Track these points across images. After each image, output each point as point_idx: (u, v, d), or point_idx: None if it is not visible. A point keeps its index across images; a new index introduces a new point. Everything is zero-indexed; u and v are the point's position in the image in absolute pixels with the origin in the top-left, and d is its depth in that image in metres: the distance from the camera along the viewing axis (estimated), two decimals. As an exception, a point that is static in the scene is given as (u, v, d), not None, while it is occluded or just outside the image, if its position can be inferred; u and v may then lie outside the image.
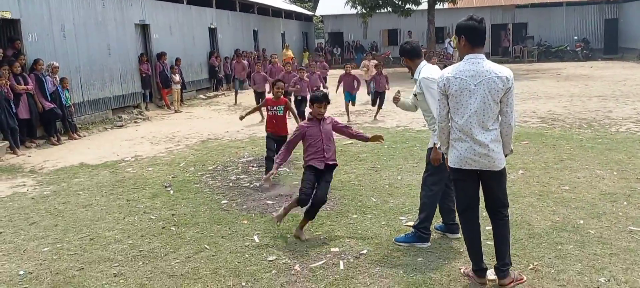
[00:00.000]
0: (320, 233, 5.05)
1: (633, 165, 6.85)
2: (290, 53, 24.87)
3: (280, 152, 5.24)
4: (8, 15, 10.37)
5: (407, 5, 23.54)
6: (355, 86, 12.35)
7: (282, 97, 7.30)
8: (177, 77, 15.49)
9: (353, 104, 12.70)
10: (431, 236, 4.69)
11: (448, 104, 3.71)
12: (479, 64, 3.62)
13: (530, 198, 5.74)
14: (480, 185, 3.82)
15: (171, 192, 6.72)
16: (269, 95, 8.52)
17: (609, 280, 3.78)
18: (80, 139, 11.24)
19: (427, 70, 4.50)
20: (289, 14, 32.24)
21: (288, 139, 5.35)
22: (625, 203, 5.41)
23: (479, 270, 3.85)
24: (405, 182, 6.71)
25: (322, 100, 5.01)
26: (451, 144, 3.76)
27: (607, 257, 4.16)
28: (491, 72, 3.58)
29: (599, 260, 4.11)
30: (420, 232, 4.62)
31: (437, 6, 23.88)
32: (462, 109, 3.64)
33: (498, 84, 3.56)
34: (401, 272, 4.13)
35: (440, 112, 3.77)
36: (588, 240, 4.52)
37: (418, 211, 4.73)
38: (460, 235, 4.49)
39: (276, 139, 7.08)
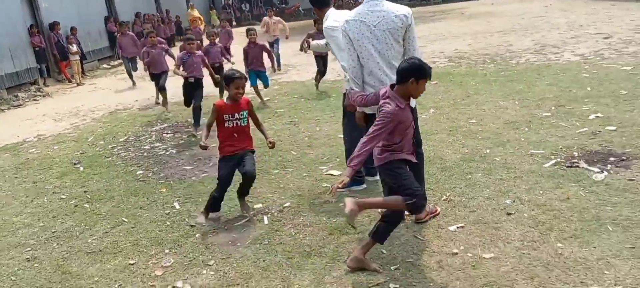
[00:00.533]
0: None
1: (532, 94, 7.31)
2: (196, 13, 23.96)
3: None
4: None
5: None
6: (263, 61, 9.12)
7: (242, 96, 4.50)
8: (74, 47, 14.44)
9: (265, 86, 9.16)
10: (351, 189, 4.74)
11: (355, 48, 3.73)
12: (377, 5, 3.66)
13: (441, 135, 5.99)
14: None
15: (81, 168, 6.39)
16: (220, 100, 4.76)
17: (513, 201, 4.06)
18: (-26, 124, 10.34)
19: (331, 18, 4.47)
20: (192, -29, 30.94)
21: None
22: (526, 129, 5.78)
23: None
24: (324, 132, 6.77)
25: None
26: (364, 89, 3.80)
27: (511, 180, 4.46)
28: (389, 12, 3.62)
29: (504, 184, 4.40)
30: (355, 176, 4.69)
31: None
32: (366, 52, 3.68)
33: (397, 22, 3.61)
34: (324, 218, 4.21)
35: (350, 57, 3.78)
36: (494, 167, 4.81)
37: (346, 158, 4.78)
38: (364, 186, 4.65)
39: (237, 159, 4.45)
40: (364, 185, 4.75)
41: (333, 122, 7.14)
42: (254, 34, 9.08)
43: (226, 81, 4.30)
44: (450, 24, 18.71)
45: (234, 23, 30.99)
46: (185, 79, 7.54)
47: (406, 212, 3.93)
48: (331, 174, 5.20)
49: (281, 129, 7.17)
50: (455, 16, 21.56)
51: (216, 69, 8.55)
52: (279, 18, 13.82)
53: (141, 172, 5.99)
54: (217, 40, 9.65)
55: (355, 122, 4.62)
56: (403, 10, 3.65)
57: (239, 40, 21.72)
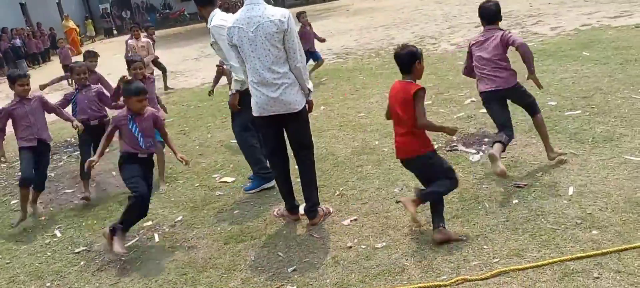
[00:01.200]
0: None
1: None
2: (71, 23, 22.51)
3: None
4: None
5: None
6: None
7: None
8: None
9: None
10: (247, 194, 4.70)
11: (239, 54, 3.70)
12: (253, 10, 3.59)
13: (332, 131, 6.11)
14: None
15: (-56, 205, 5.74)
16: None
17: (401, 189, 4.23)
18: None
19: (218, 17, 4.41)
20: (64, -19, 29.01)
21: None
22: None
23: (292, 207, 4.01)
24: (216, 139, 6.64)
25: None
26: (251, 92, 3.76)
27: (399, 169, 4.60)
28: (264, 17, 3.56)
29: (393, 173, 4.57)
30: (262, 175, 4.64)
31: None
32: (249, 57, 3.65)
33: (272, 27, 3.54)
34: (218, 228, 4.12)
35: (237, 62, 3.77)
36: (383, 157, 4.98)
37: (248, 162, 4.75)
38: (273, 183, 4.57)
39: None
40: (273, 182, 4.56)
41: (224, 128, 7.02)
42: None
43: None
44: (337, 21, 19.17)
45: (115, 32, 29.53)
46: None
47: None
48: (224, 182, 5.11)
49: (171, 138, 6.89)
50: (341, 13, 22.12)
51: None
52: (147, 39, 10.52)
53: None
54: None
55: (242, 122, 4.58)
56: (279, 14, 3.58)
57: (122, 49, 20.73)
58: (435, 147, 4.92)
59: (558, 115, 5.26)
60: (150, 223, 4.43)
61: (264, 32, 3.55)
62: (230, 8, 21.25)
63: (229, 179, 5.14)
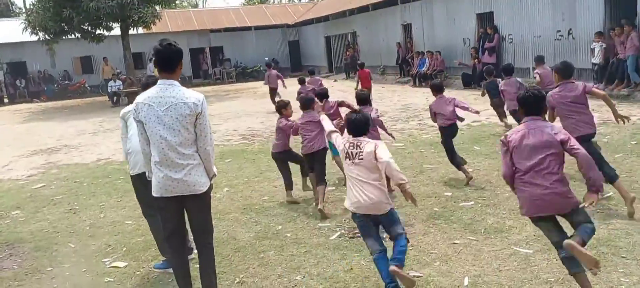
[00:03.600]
0: (4, 299, 4.27)
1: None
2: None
3: None
4: None
5: (98, 31, 22.19)
6: None
7: None
8: None
9: None
10: (138, 282, 4.41)
11: (144, 130, 3.57)
12: (168, 90, 3.54)
13: (235, 214, 5.97)
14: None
15: None
16: None
17: (304, 277, 4.16)
18: None
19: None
20: (-48, 43, 27.03)
21: None
22: (313, 204, 6.07)
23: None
24: (110, 219, 6.24)
25: None
26: (153, 171, 3.62)
27: (302, 255, 4.59)
28: (178, 99, 3.52)
29: (295, 259, 4.50)
30: (168, 259, 4.41)
31: (131, 31, 23.15)
32: (154, 136, 3.54)
33: (185, 109, 3.51)
34: (105, 320, 3.77)
35: (140, 138, 3.63)
36: (286, 243, 4.91)
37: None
38: (193, 255, 4.38)
39: None
40: None
41: (120, 208, 6.65)
42: None
43: None
44: (245, 102, 19.35)
45: (6, 100, 27.65)
46: None
47: None
48: (115, 266, 4.75)
49: (59, 218, 6.41)
50: (249, 95, 22.38)
51: None
52: None
53: None
54: None
55: (144, 204, 4.38)
56: (194, 97, 3.55)
57: (11, 119, 19.40)
58: (338, 234, 4.97)
59: (453, 205, 5.54)
60: (25, 314, 3.97)
61: (176, 113, 3.50)
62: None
63: (120, 264, 4.80)
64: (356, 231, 5.00)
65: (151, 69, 26.40)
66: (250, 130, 12.48)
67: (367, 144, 3.71)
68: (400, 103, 14.89)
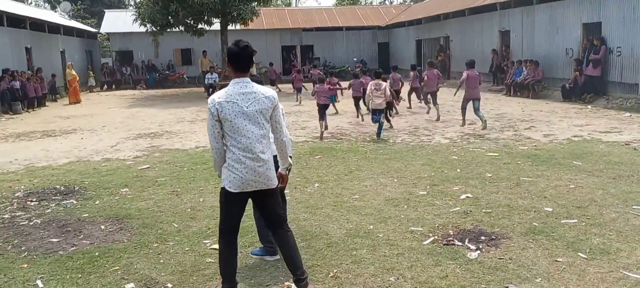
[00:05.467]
0: (118, 268, 4.64)
1: (409, 172, 7.76)
2: (74, 72, 22.70)
3: None
4: None
5: (200, 26, 23.36)
6: None
7: None
8: None
9: None
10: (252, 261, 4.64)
11: (221, 129, 3.76)
12: (247, 87, 3.79)
13: (326, 209, 6.09)
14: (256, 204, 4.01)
15: None
16: None
17: (397, 279, 4.17)
18: None
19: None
20: (69, 31, 29.49)
21: None
22: (405, 206, 6.08)
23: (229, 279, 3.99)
24: (209, 204, 6.57)
25: None
26: (229, 167, 3.78)
27: (395, 257, 4.61)
28: (258, 93, 3.79)
29: (388, 260, 4.53)
30: (266, 247, 4.69)
31: (230, 27, 24.14)
32: (241, 131, 3.73)
33: (266, 102, 3.79)
34: (208, 298, 4.00)
35: (214, 138, 3.78)
36: (378, 243, 4.95)
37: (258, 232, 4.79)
38: (279, 256, 4.54)
39: None
40: (277, 256, 4.61)
41: (216, 193, 6.93)
42: None
43: None
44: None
45: (113, 86, 29.82)
46: None
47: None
48: (215, 248, 5.00)
49: (162, 199, 6.84)
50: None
51: None
52: None
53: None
54: None
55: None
56: (269, 91, 3.88)
57: (118, 104, 20.91)
58: (431, 240, 4.95)
59: (554, 221, 5.32)
60: (133, 285, 4.29)
61: (259, 107, 3.76)
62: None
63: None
64: (450, 237, 4.96)
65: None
66: (338, 129, 12.62)
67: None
68: (493, 112, 14.43)
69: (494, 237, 4.96)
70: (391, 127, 12.11)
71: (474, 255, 4.55)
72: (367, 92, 11.18)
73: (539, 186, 6.68)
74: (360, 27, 33.66)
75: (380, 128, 10.91)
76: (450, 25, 25.56)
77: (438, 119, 13.32)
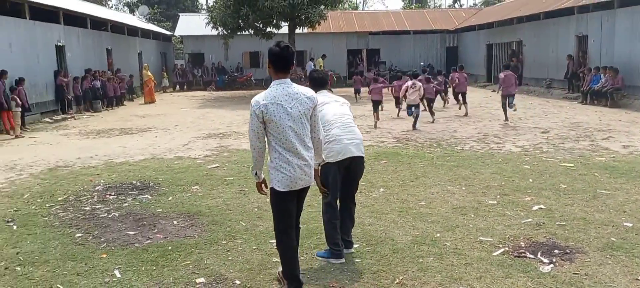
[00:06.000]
0: (189, 262, 4.82)
1: (478, 180, 7.57)
2: (150, 73, 23.79)
3: None
4: None
5: (269, 29, 23.87)
6: None
7: None
8: (18, 99, 14.00)
9: None
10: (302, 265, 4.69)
11: (264, 129, 3.85)
12: (289, 88, 3.90)
13: (391, 215, 6.05)
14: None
15: (14, 227, 5.99)
16: None
17: (465, 289, 4.09)
18: None
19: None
20: (146, 33, 30.94)
21: None
22: (473, 215, 5.94)
23: (299, 285, 4.08)
24: (274, 204, 6.69)
25: None
26: (277, 168, 3.87)
27: (462, 266, 4.51)
28: (301, 94, 3.91)
29: (456, 270, 4.44)
30: (332, 249, 4.72)
31: (297, 30, 24.52)
32: (285, 131, 3.83)
33: (308, 103, 3.93)
34: (275, 297, 4.08)
35: (258, 139, 3.86)
36: (445, 252, 4.86)
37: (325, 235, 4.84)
38: (342, 260, 4.67)
39: None
40: (342, 260, 4.69)
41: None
42: None
43: None
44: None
45: (185, 87, 30.98)
46: None
47: None
48: (282, 249, 5.09)
49: (230, 198, 7.03)
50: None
51: None
52: None
53: (80, 234, 5.67)
54: None
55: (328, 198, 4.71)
56: (310, 91, 4.02)
57: (189, 104, 21.70)
58: (501, 251, 4.81)
59: (635, 237, 5.03)
60: (204, 280, 4.44)
61: (302, 107, 3.89)
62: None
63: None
64: (521, 249, 4.80)
65: (311, 65, 27.68)
66: (404, 134, 12.50)
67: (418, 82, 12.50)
68: (568, 121, 13.81)
69: (569, 251, 4.75)
70: (433, 121, 14.25)
71: (546, 268, 4.38)
72: (402, 89, 13.41)
73: (618, 200, 6.33)
74: (428, 31, 33.19)
75: (416, 119, 13.21)
76: (523, 29, 24.71)
77: (466, 115, 15.56)
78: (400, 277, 4.34)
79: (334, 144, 4.62)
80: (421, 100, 13.27)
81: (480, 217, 5.87)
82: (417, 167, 8.69)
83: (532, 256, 4.67)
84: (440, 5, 52.60)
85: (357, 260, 4.74)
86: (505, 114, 13.93)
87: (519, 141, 10.98)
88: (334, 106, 4.80)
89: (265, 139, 3.88)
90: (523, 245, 4.92)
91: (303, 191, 4.06)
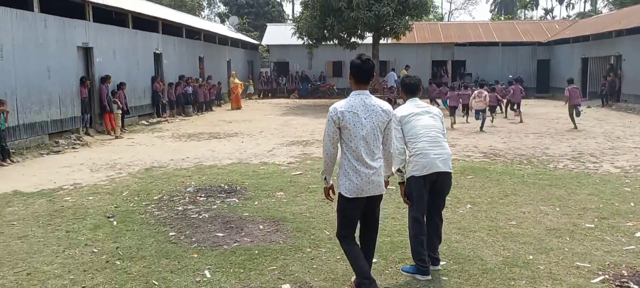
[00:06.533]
0: (275, 268, 4.92)
1: (574, 201, 7.15)
2: (237, 80, 24.68)
3: None
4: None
5: (353, 39, 24.00)
6: None
7: None
8: (119, 102, 15.04)
9: None
10: (386, 279, 4.65)
11: (339, 136, 4.01)
12: (367, 99, 4.04)
13: (480, 233, 5.85)
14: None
15: (114, 222, 6.40)
16: None
17: (562, 316, 3.87)
18: (14, 165, 10.58)
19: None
20: (235, 42, 32.13)
21: None
22: (569, 238, 5.61)
23: (371, 282, 4.13)
24: (357, 215, 6.68)
25: None
26: (346, 175, 4.02)
27: (557, 292, 4.27)
28: (377, 106, 4.04)
29: (550, 296, 4.21)
30: (418, 266, 4.65)
31: (382, 41, 24.45)
32: (356, 140, 3.96)
33: (383, 116, 4.05)
34: (360, 309, 4.06)
35: (332, 142, 4.01)
36: (539, 276, 4.62)
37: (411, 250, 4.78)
38: (428, 278, 4.59)
39: None
40: (428, 277, 4.61)
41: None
42: None
43: None
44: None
45: (269, 94, 31.82)
46: None
47: None
48: (366, 261, 5.07)
49: (314, 205, 7.11)
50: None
51: None
52: None
53: (173, 233, 5.96)
54: None
55: (415, 211, 4.66)
56: (386, 105, 4.13)
57: (273, 111, 22.27)
58: (601, 278, 4.50)
59: None
60: (288, 286, 4.50)
61: (376, 119, 4.01)
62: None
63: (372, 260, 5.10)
64: (624, 279, 4.47)
65: (392, 75, 27.47)
66: (491, 149, 12.07)
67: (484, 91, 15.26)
68: (675, 141, 12.73)
69: (680, 285, 4.36)
70: (492, 124, 16.51)
71: (654, 302, 4.05)
72: (470, 98, 16.10)
73: None
74: (518, 43, 31.96)
75: (482, 122, 15.27)
76: (623, 43, 23.16)
77: (520, 121, 17.40)
78: (490, 299, 4.18)
79: (420, 158, 4.56)
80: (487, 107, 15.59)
81: (576, 240, 5.54)
82: (507, 184, 8.35)
83: (636, 286, 4.33)
84: (531, 17, 50.46)
85: (444, 278, 4.62)
86: (574, 122, 15.75)
87: (617, 161, 10.27)
88: (424, 118, 4.72)
89: (338, 146, 4.02)
90: (625, 274, 4.58)
91: (373, 199, 4.12)
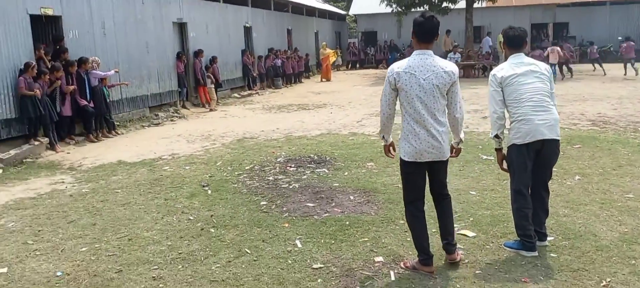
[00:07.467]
0: (367, 240, 4.76)
1: (702, 173, 6.35)
2: (328, 50, 24.64)
3: None
4: (50, 12, 10.42)
5: (445, 4, 22.96)
6: None
7: None
8: (213, 76, 15.52)
9: None
10: (488, 254, 4.34)
11: (396, 97, 3.87)
12: (428, 60, 3.79)
13: (591, 207, 5.33)
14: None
15: (209, 191, 6.54)
16: None
17: (697, 303, 3.39)
18: (118, 137, 11.22)
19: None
20: (323, 13, 32.00)
21: None
22: (699, 214, 4.95)
23: (428, 260, 4.01)
24: (453, 186, 6.31)
25: None
26: (405, 138, 3.89)
27: (690, 275, 3.76)
28: (438, 67, 3.78)
29: (681, 278, 3.71)
30: (524, 241, 4.28)
31: (476, 5, 23.19)
32: (414, 102, 3.78)
33: (445, 77, 3.77)
34: (458, 286, 3.81)
35: (388, 103, 3.90)
36: (664, 255, 4.11)
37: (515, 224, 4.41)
38: (534, 254, 4.21)
39: None
40: (535, 253, 4.23)
41: (462, 177, 6.71)
42: None
43: None
44: (590, 85, 17.38)
45: (357, 65, 31.51)
46: None
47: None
48: (464, 234, 4.77)
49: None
50: (594, 77, 20.02)
51: None
52: None
53: (264, 203, 5.97)
54: None
55: (517, 184, 4.28)
56: (451, 66, 3.84)
57: (361, 82, 22.00)
58: None
59: None
60: (382, 259, 4.33)
61: (436, 81, 3.77)
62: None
63: (469, 233, 4.80)
64: None
65: (488, 40, 26.08)
66: (600, 116, 11.08)
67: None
68: None
69: None
70: (570, 76, 19.62)
71: None
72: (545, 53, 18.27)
73: None
74: (629, 1, 29.10)
75: (554, 75, 16.01)
76: None
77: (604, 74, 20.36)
78: (608, 280, 3.75)
79: (522, 124, 4.15)
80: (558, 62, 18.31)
81: None
82: (620, 154, 7.59)
83: None
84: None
85: (552, 255, 4.23)
86: (625, 70, 19.89)
87: None
88: (528, 79, 4.21)
89: (395, 107, 3.89)
90: None
91: (436, 164, 3.93)
